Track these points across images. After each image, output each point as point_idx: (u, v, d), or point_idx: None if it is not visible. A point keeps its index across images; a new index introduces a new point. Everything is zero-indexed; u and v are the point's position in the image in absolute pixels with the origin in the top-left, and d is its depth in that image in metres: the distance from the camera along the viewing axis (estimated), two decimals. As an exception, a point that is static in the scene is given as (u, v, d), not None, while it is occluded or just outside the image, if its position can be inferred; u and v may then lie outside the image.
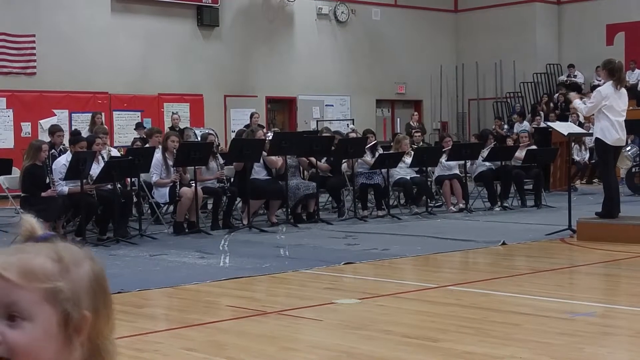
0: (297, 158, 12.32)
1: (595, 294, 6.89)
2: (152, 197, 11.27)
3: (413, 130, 16.65)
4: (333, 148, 12.38)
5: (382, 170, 12.62)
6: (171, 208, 11.58)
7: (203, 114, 20.25)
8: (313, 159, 12.38)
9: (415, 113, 22.13)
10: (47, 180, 9.93)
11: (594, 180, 18.08)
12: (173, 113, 18.03)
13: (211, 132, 13.90)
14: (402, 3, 24.15)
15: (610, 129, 9.47)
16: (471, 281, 7.11)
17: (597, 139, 9.73)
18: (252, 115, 17.34)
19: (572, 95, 11.21)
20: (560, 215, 10.67)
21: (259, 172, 11.63)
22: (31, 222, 1.26)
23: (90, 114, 16.13)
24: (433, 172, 13.62)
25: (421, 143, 15.49)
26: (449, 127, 24.49)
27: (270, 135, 12.94)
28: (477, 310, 5.85)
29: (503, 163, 13.50)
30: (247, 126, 15.76)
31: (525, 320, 5.49)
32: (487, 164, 13.59)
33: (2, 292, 1.14)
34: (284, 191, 11.51)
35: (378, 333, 5.23)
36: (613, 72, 9.61)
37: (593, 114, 10.07)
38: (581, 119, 18.45)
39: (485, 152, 13.52)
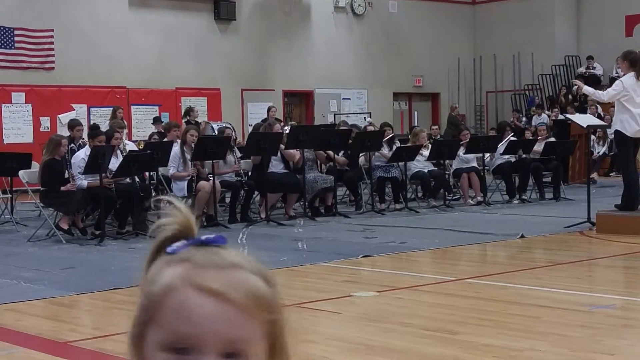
0: (315, 151, 12.31)
1: (615, 286, 6.86)
2: (170, 191, 11.31)
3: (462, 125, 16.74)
4: (350, 141, 12.37)
5: (400, 163, 12.60)
6: (189, 202, 11.61)
7: (220, 107, 20.28)
8: (330, 153, 12.37)
9: (456, 104, 22.11)
10: (66, 175, 9.99)
11: (611, 173, 17.98)
12: (189, 107, 18.03)
13: (228, 125, 13.93)
14: (419, -5, 24.08)
15: (630, 121, 9.41)
16: (490, 274, 7.09)
17: (616, 131, 9.67)
18: (269, 109, 17.35)
19: (576, 81, 11.10)
20: (579, 208, 10.61)
21: (276, 166, 11.64)
22: (187, 214, 0.98)
23: (110, 109, 16.18)
24: (451, 165, 13.57)
25: (438, 136, 15.45)
26: (466, 120, 24.38)
27: (287, 129, 12.94)
28: (495, 303, 5.83)
29: (521, 155, 13.43)
30: (264, 120, 15.77)
31: (545, 313, 5.47)
32: (506, 156, 13.53)
33: (226, 322, 0.89)
34: (302, 185, 11.51)
35: (396, 325, 5.23)
36: (635, 62, 9.54)
37: (613, 105, 10.01)
38: (599, 110, 18.34)
39: (502, 147, 13.45)
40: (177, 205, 0.97)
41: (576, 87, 10.75)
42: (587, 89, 10.44)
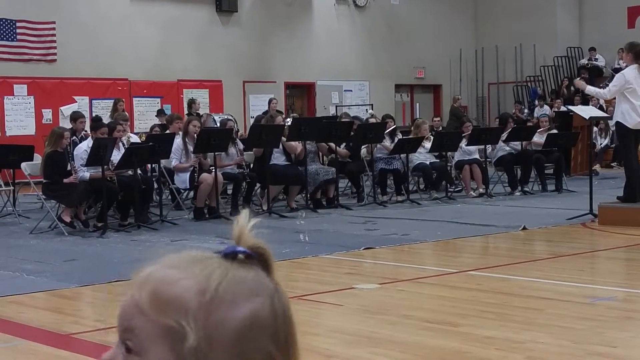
0: (317, 143, 12.31)
1: (617, 278, 6.86)
2: (173, 183, 11.31)
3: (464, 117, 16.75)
4: (352, 133, 12.36)
5: (402, 155, 12.60)
6: (191, 194, 11.62)
7: (222, 100, 20.28)
8: (332, 145, 12.37)
9: (459, 96, 22.12)
10: (69, 167, 9.99)
11: (613, 164, 17.98)
12: (190, 99, 17.99)
13: (230, 118, 13.93)
14: (421, -13, 24.02)
15: (631, 112, 9.40)
16: (491, 266, 7.10)
17: (617, 123, 9.66)
18: (270, 101, 17.33)
19: (578, 82, 11.10)
20: (581, 200, 10.61)
21: (278, 158, 11.64)
22: (241, 226, 1.01)
23: (112, 101, 16.14)
24: (453, 157, 13.57)
25: (440, 128, 15.45)
26: (468, 111, 24.36)
27: (289, 121, 12.93)
28: (497, 295, 5.84)
29: (523, 147, 13.43)
30: (265, 112, 15.75)
31: (546, 305, 5.47)
32: (508, 148, 13.53)
33: (126, 313, 0.94)
34: (303, 177, 11.52)
35: (398, 318, 5.24)
36: (639, 55, 9.51)
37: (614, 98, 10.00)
38: (601, 102, 18.31)
39: (504, 136, 13.46)
40: (239, 219, 1.03)
41: (576, 83, 10.70)
42: (589, 89, 10.43)
